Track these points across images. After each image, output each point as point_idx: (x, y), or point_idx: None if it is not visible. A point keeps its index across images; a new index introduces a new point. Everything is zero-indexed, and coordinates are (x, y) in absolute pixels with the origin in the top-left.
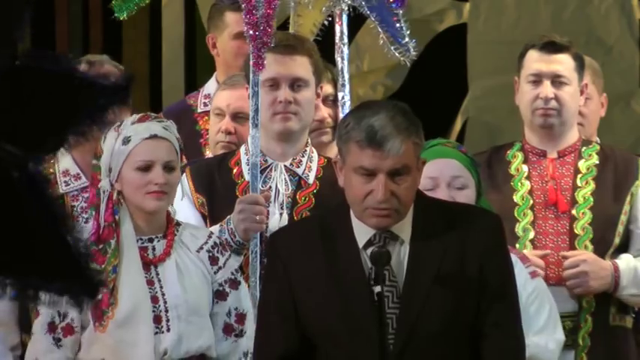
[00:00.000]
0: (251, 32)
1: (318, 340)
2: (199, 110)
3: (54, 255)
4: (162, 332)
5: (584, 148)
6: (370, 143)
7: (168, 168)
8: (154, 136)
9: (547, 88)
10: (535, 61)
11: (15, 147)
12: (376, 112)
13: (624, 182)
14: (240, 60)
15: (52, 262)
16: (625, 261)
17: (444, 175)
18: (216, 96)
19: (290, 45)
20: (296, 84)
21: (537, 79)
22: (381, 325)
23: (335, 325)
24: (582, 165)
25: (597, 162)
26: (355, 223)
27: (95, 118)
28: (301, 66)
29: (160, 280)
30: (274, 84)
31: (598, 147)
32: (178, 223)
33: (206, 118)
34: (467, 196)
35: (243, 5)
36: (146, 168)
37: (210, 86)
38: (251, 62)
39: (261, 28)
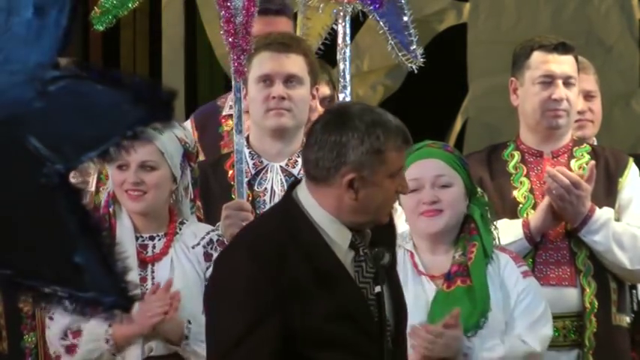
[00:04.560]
0: (230, 40)
1: (313, 349)
2: (224, 112)
3: (88, 265)
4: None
5: (576, 148)
6: None
7: (146, 167)
8: None
9: (561, 90)
10: (545, 62)
11: (54, 154)
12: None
13: (615, 177)
14: None
15: (87, 273)
16: (606, 211)
17: (426, 175)
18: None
19: (285, 43)
20: (290, 81)
21: (549, 80)
22: (380, 323)
23: (338, 328)
24: (574, 164)
25: (589, 161)
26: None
27: (136, 132)
28: (296, 63)
29: (153, 278)
30: (268, 79)
31: (589, 147)
32: (182, 222)
33: (230, 120)
34: (452, 194)
35: (221, 13)
36: (123, 167)
37: None
38: (231, 70)
39: (240, 35)
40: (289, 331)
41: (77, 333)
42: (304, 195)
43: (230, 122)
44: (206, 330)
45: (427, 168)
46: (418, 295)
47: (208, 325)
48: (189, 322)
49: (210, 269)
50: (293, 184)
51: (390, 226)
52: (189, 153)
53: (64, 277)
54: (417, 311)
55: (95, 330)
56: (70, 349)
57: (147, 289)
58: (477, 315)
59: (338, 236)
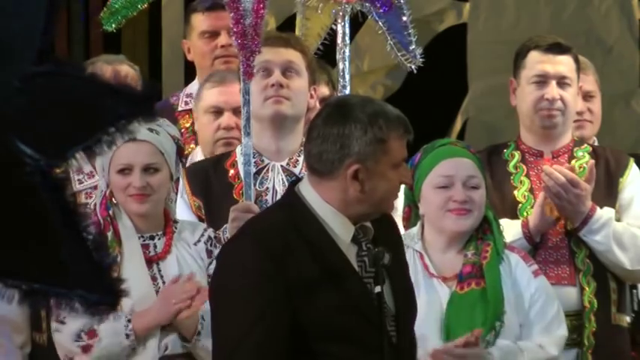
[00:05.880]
0: (239, 41)
1: (320, 341)
2: (180, 109)
3: (75, 262)
4: (164, 327)
5: (577, 148)
6: None
7: (150, 170)
8: (132, 140)
9: (554, 89)
10: (539, 61)
11: (37, 152)
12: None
13: (616, 178)
14: (207, 60)
15: (73, 270)
16: (607, 211)
17: (459, 173)
18: (207, 94)
19: (283, 38)
20: (288, 70)
21: (542, 80)
22: (380, 320)
23: (344, 321)
24: (575, 165)
25: (589, 161)
26: (332, 218)
27: (118, 127)
28: (294, 55)
29: (162, 277)
30: (266, 69)
31: (590, 147)
32: (176, 221)
33: (187, 116)
34: (481, 197)
35: (231, 15)
36: (126, 171)
37: (194, 86)
38: (241, 71)
39: (249, 37)
40: (296, 324)
41: (91, 333)
42: (307, 189)
43: (188, 117)
44: (212, 323)
45: (460, 167)
46: (431, 300)
47: (214, 318)
48: (203, 317)
49: (213, 265)
50: (295, 179)
51: (391, 222)
52: (180, 149)
53: (49, 275)
54: (430, 316)
55: (114, 325)
56: (87, 349)
57: (158, 288)
58: (492, 318)
59: (341, 230)
